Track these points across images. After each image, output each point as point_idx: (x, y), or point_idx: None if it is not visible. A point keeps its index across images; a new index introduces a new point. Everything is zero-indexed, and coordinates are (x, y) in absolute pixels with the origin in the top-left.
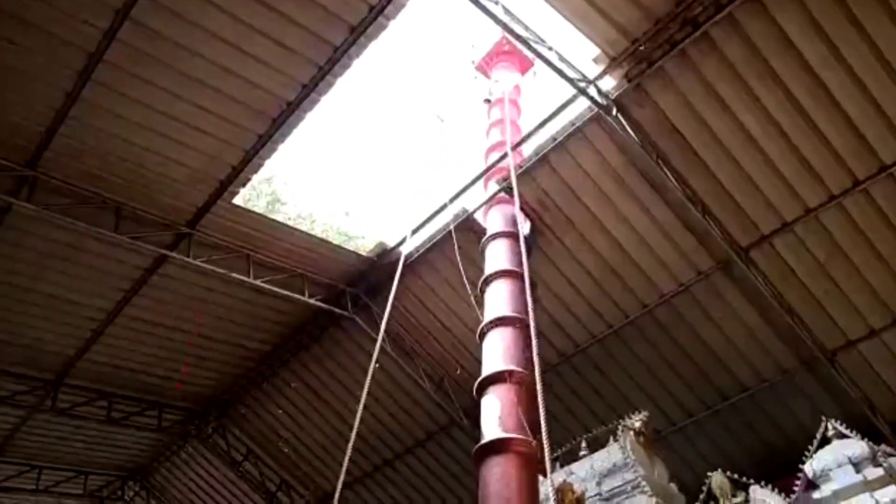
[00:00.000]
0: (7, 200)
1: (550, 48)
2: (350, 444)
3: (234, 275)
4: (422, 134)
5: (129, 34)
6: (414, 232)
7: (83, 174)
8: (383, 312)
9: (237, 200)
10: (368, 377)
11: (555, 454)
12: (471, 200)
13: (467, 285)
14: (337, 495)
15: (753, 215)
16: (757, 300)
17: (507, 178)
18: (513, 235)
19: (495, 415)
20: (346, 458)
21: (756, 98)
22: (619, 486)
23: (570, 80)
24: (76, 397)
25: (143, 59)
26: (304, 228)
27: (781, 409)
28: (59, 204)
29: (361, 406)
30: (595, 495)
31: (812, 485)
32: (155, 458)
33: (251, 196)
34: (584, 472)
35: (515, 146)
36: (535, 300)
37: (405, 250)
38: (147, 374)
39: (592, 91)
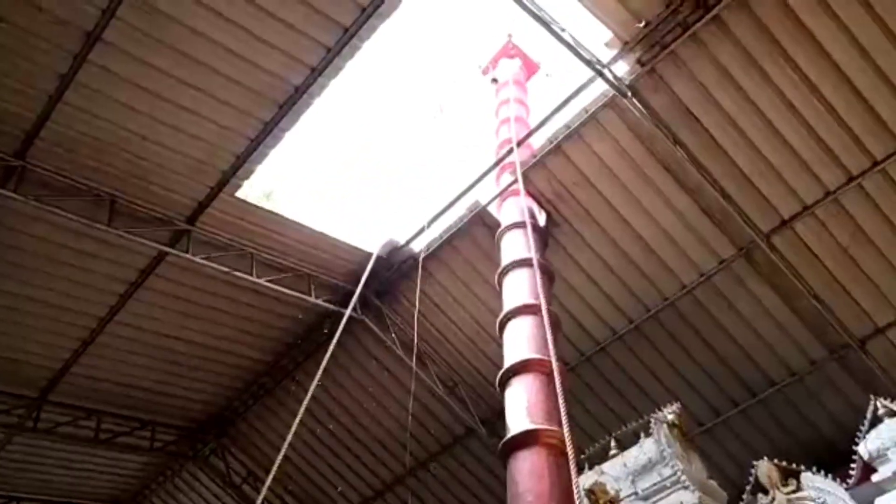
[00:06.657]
0: None
1: (563, 29)
2: None
3: (237, 273)
4: (425, 130)
5: (128, 12)
6: (427, 224)
7: (76, 165)
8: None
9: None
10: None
11: (583, 454)
12: (482, 194)
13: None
14: None
15: (773, 200)
16: (781, 287)
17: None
18: (529, 226)
19: (522, 406)
20: None
21: (770, 80)
22: (657, 483)
23: (587, 62)
24: (61, 416)
25: (143, 39)
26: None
27: (813, 404)
28: (50, 195)
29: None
30: (631, 495)
31: (869, 468)
32: (147, 484)
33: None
34: (616, 470)
35: (523, 139)
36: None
37: (417, 246)
38: (139, 388)
39: (608, 74)
